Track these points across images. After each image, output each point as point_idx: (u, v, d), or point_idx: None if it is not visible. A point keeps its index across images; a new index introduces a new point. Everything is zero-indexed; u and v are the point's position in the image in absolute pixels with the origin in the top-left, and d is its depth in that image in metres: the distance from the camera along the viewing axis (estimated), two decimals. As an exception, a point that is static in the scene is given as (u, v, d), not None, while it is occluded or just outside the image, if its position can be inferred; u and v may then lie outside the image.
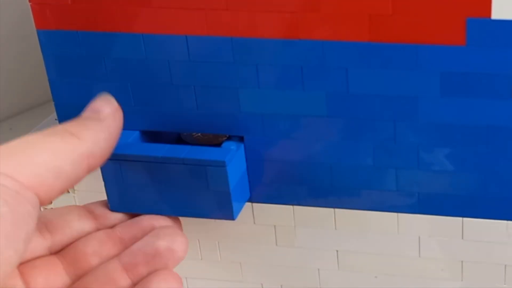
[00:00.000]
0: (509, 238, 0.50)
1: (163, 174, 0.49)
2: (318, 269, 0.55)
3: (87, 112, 0.46)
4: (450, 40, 0.45)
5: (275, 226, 0.54)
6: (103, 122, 0.45)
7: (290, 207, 0.53)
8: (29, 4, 0.50)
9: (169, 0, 0.48)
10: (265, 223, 0.54)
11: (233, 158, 0.49)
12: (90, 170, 0.44)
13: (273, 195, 0.53)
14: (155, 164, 0.49)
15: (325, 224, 0.53)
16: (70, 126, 0.44)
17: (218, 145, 0.51)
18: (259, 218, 0.54)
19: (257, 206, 0.53)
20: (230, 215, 0.50)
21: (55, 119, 0.56)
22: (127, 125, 0.52)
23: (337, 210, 0.52)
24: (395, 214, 0.51)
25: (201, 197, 0.49)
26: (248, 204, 0.53)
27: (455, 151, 0.48)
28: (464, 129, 0.47)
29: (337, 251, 0.54)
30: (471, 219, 0.50)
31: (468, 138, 0.47)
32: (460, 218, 0.50)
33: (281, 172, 0.51)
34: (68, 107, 0.52)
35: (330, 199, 0.52)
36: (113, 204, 0.50)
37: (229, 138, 0.51)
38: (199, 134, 0.55)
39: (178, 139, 0.56)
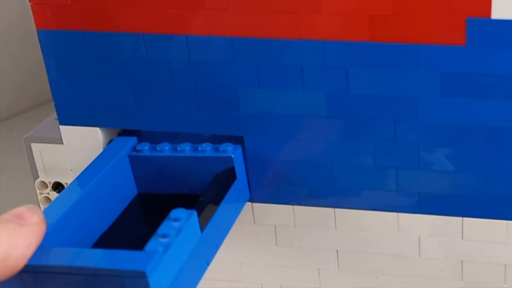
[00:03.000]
0: (509, 238, 0.50)
1: (71, 287, 0.40)
2: (318, 269, 0.55)
3: (7, 215, 0.41)
4: (450, 40, 0.45)
5: (275, 226, 0.54)
6: (23, 228, 0.41)
7: (290, 207, 0.53)
8: (29, 4, 0.50)
9: (169, 0, 0.48)
10: (265, 223, 0.54)
11: (160, 264, 0.40)
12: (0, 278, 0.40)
13: (273, 195, 0.53)
14: (61, 276, 0.40)
15: (325, 224, 0.53)
16: None
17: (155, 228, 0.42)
18: (259, 218, 0.54)
19: (257, 206, 0.53)
20: None
21: (55, 119, 0.56)
22: (127, 125, 0.52)
23: (337, 210, 0.52)
24: (395, 214, 0.51)
25: None
26: (248, 204, 0.53)
27: (455, 151, 0.48)
28: (464, 129, 0.47)
29: (337, 251, 0.54)
30: (471, 219, 0.50)
31: (468, 138, 0.47)
32: (460, 218, 0.50)
33: (281, 172, 0.51)
34: (68, 107, 0.52)
35: (330, 199, 0.52)
36: None
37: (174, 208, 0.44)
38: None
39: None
